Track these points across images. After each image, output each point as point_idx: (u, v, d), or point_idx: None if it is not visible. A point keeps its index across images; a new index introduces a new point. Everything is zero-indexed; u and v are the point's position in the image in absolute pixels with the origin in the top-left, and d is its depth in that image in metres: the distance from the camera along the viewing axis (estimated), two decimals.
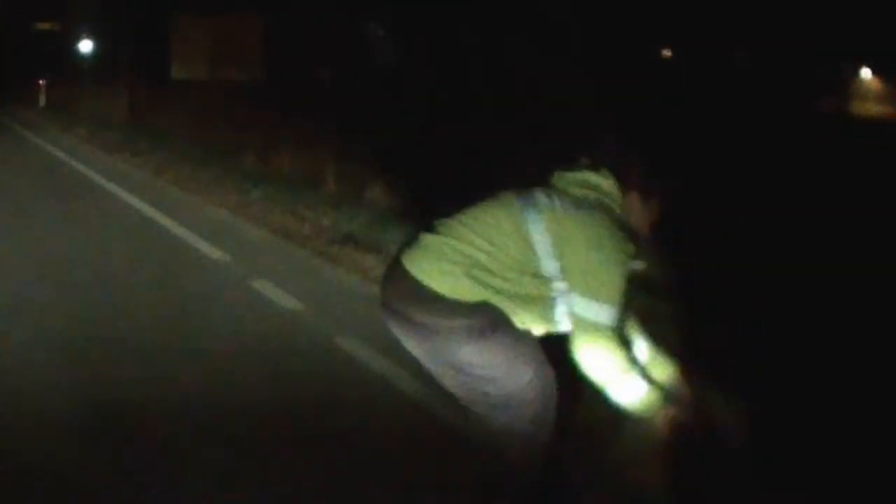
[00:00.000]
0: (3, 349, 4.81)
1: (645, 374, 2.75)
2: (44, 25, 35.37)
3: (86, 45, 28.82)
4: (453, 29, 16.66)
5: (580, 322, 2.67)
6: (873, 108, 27.15)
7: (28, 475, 3.41)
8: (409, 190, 8.85)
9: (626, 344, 2.76)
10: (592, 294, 2.64)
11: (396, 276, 2.78)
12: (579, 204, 2.73)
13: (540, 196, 2.75)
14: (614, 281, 2.65)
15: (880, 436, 3.57)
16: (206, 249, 7.38)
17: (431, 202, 7.90)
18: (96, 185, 11.45)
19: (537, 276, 2.68)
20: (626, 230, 2.74)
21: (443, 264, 2.69)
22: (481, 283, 2.66)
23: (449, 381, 2.78)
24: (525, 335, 2.75)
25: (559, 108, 11.27)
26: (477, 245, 2.70)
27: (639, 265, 2.79)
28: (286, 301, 5.82)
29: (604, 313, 2.64)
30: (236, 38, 17.90)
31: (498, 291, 2.66)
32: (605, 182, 2.80)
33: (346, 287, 6.31)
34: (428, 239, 2.77)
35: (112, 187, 10.99)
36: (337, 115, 12.40)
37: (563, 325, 2.74)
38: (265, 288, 6.13)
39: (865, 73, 30.05)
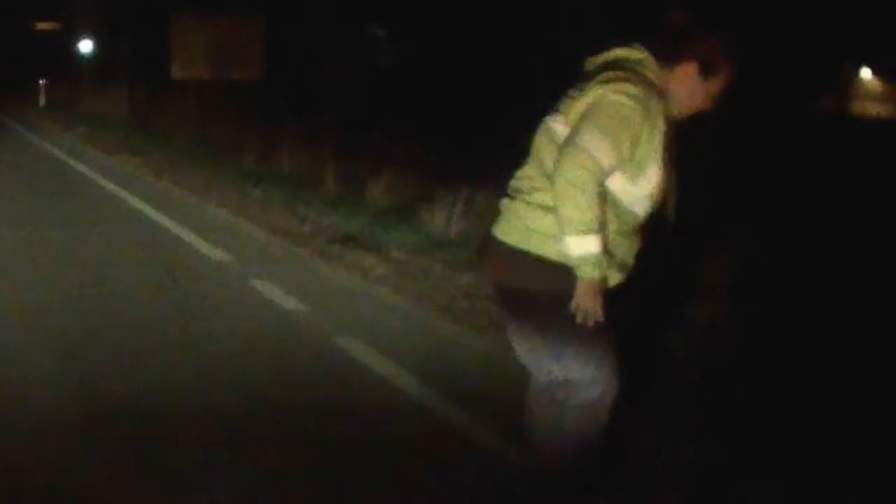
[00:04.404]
0: (1, 350, 4.82)
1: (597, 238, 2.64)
2: (44, 25, 35.32)
3: (86, 45, 28.80)
4: (457, 28, 16.66)
5: (573, 146, 2.61)
6: (873, 108, 27.12)
7: (26, 476, 3.41)
8: (409, 189, 8.85)
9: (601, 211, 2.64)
10: (584, 131, 2.61)
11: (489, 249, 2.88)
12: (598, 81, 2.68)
13: (563, 97, 2.76)
14: (608, 131, 2.59)
15: (880, 436, 3.57)
16: (206, 249, 7.38)
17: (431, 201, 7.93)
18: (96, 184, 11.44)
19: None
20: (650, 89, 2.66)
21: (509, 218, 2.80)
22: (531, 204, 2.72)
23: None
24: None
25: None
26: (525, 176, 2.80)
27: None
28: (286, 301, 5.82)
29: (593, 143, 2.58)
30: (236, 38, 17.84)
31: (547, 208, 2.67)
32: (634, 53, 2.75)
33: (346, 287, 6.31)
34: (504, 203, 2.85)
35: (112, 187, 10.98)
36: (337, 115, 12.40)
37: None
38: (265, 288, 6.13)
39: (865, 73, 30.02)
